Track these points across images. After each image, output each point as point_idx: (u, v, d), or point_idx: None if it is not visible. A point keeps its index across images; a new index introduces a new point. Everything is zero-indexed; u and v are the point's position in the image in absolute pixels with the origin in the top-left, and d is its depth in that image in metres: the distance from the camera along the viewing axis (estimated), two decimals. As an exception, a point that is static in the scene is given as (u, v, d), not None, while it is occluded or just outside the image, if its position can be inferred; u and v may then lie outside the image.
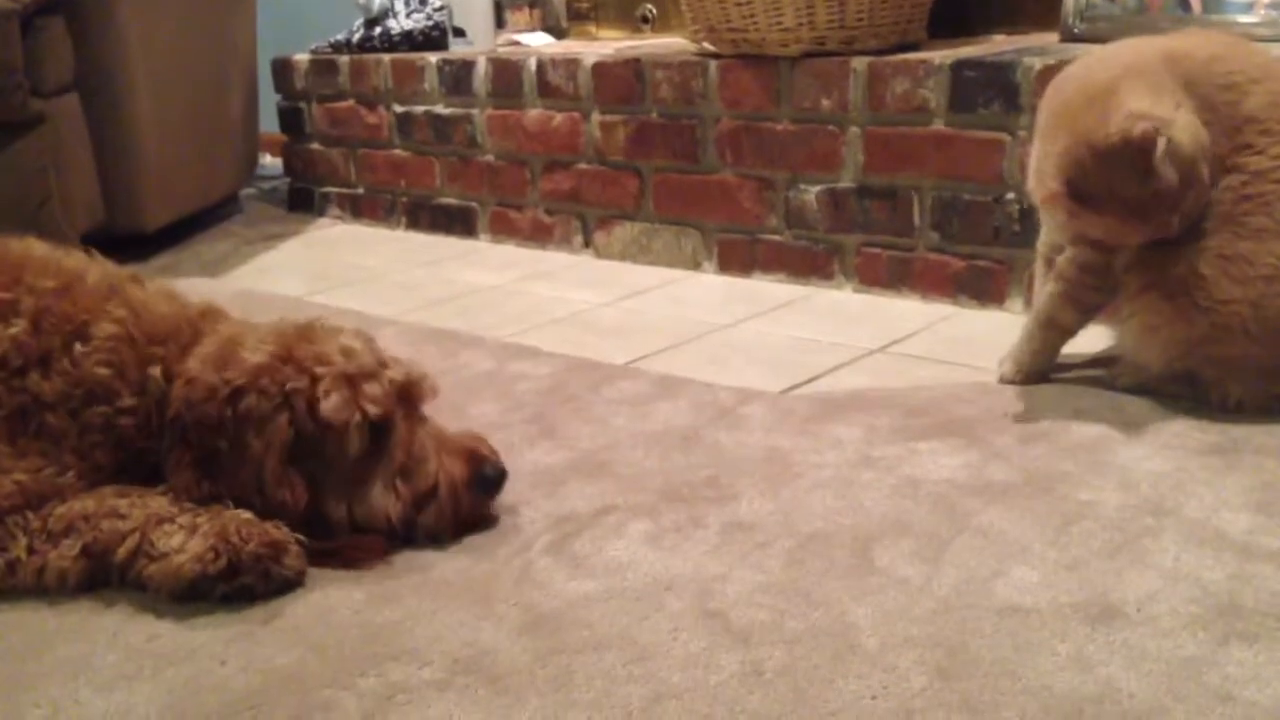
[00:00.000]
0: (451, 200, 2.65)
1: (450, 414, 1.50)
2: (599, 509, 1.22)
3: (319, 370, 1.13)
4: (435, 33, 2.77)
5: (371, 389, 1.14)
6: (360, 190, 2.86)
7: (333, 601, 1.05)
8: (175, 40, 2.53)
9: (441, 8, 2.77)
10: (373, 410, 1.13)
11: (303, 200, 3.01)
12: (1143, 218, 1.30)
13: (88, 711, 0.91)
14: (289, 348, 1.14)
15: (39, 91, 2.17)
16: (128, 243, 2.46)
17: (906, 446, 1.34)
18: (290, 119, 2.97)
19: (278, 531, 1.08)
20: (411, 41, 2.77)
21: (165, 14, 2.48)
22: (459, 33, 2.66)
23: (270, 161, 3.43)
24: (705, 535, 1.15)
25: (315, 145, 2.93)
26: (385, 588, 1.08)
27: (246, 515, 1.09)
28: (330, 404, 1.11)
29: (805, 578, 1.06)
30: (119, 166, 2.36)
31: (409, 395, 1.19)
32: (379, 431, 1.14)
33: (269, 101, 3.02)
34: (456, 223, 2.66)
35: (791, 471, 1.29)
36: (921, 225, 1.93)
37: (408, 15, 2.81)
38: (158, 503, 1.10)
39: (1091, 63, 1.41)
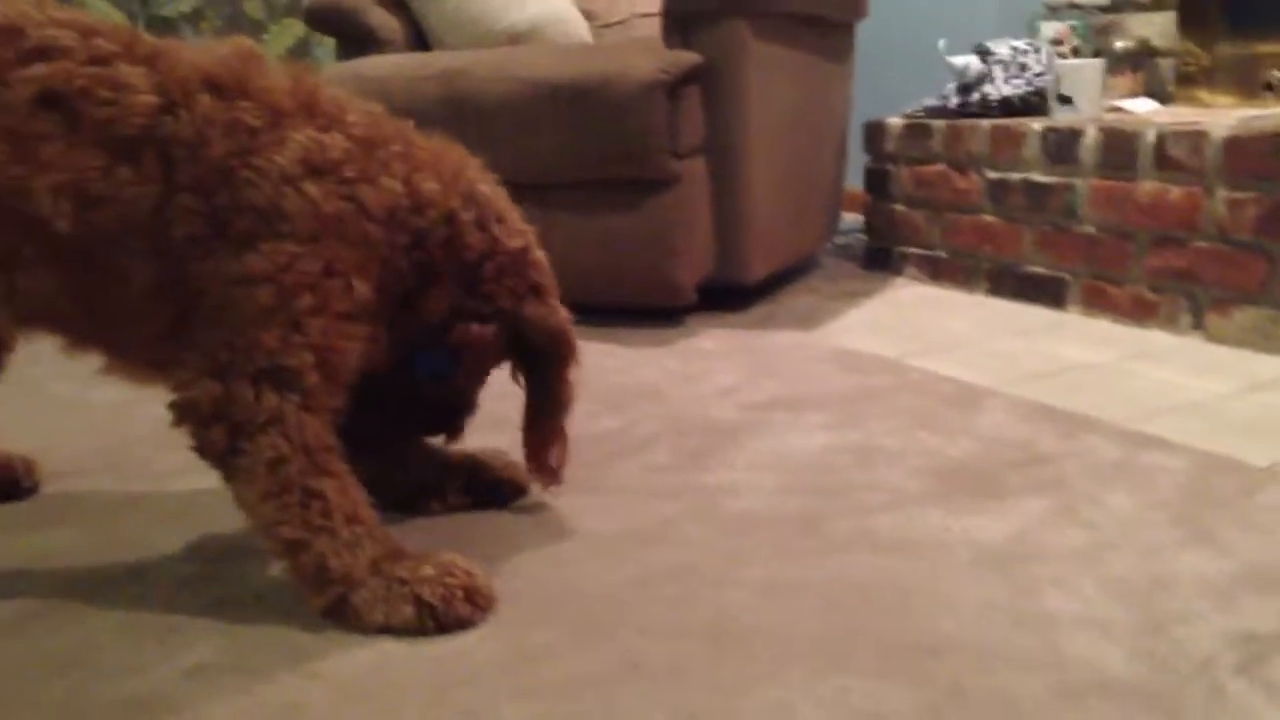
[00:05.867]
0: (1040, 269, 2.60)
1: (1087, 504, 1.46)
2: (1282, 633, 1.13)
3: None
4: (1034, 99, 2.74)
5: None
6: (941, 253, 2.88)
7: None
8: (785, 105, 2.68)
9: (1043, 74, 2.73)
10: None
11: (880, 259, 3.09)
12: None
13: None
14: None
15: (676, 153, 2.38)
16: (728, 293, 2.64)
17: None
18: (876, 180, 3.05)
19: (469, 575, 1.18)
20: (1009, 108, 2.76)
21: (781, 81, 2.63)
22: (1065, 100, 2.61)
23: (846, 217, 3.54)
24: None
25: (899, 206, 2.99)
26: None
27: (435, 565, 1.18)
28: None
29: None
30: (731, 223, 2.54)
31: None
32: None
33: (853, 160, 3.13)
34: (1043, 293, 2.60)
35: None
36: None
37: (1006, 81, 2.80)
38: (374, 543, 1.18)
39: None
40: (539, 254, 1.37)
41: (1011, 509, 1.46)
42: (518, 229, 1.35)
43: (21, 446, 1.62)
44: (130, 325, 1.18)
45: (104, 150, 1.13)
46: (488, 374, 1.42)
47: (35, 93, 1.13)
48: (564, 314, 1.37)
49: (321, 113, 1.21)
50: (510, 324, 1.33)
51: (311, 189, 1.16)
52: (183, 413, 1.16)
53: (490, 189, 1.34)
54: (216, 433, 1.14)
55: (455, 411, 1.44)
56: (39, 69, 1.14)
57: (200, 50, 1.22)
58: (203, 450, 1.16)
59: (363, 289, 1.19)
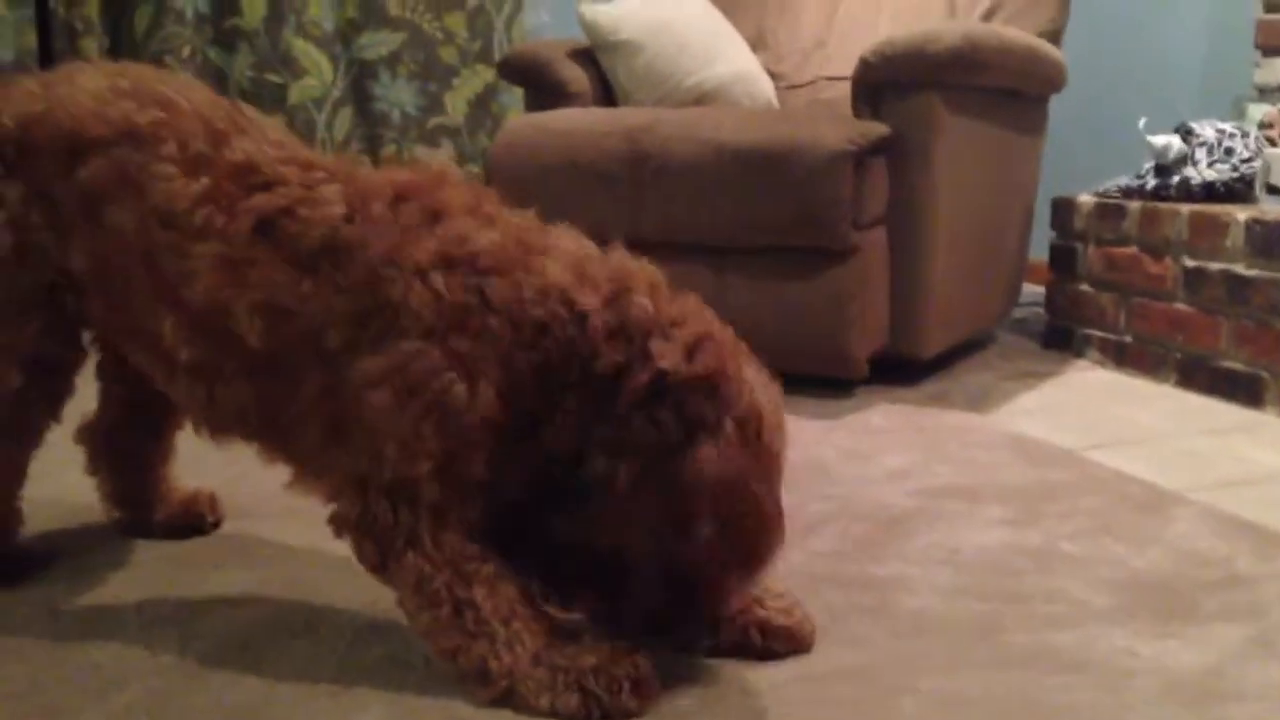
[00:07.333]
0: (1237, 365, 2.47)
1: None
2: None
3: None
4: (1239, 185, 2.61)
5: None
6: (1127, 338, 2.76)
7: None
8: (972, 179, 2.62)
9: (1250, 159, 2.61)
10: None
11: (1060, 339, 2.98)
12: None
13: None
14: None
15: (857, 224, 2.35)
16: (901, 367, 2.58)
17: None
18: (1062, 257, 2.95)
19: (635, 666, 1.13)
20: (1211, 193, 2.64)
21: (969, 154, 2.57)
22: (1274, 189, 2.48)
23: (1026, 289, 3.43)
24: None
25: (1084, 287, 2.89)
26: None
27: (599, 653, 1.13)
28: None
29: None
30: (910, 296, 2.49)
31: None
32: None
33: (1037, 234, 3.04)
34: (1239, 389, 2.47)
35: None
36: None
37: (1209, 165, 2.68)
38: (533, 636, 1.14)
39: None
40: (723, 383, 1.09)
41: (1204, 635, 1.37)
42: (684, 345, 1.09)
43: (206, 482, 1.68)
44: (297, 433, 1.19)
45: (292, 265, 1.16)
46: (654, 541, 1.10)
47: (254, 223, 1.17)
48: (738, 460, 1.08)
49: (484, 214, 1.17)
50: (662, 469, 1.07)
51: (439, 280, 1.10)
52: (337, 526, 1.19)
53: (658, 306, 1.12)
54: (368, 547, 1.16)
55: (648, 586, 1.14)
56: (259, 199, 1.18)
57: (403, 169, 1.23)
58: (360, 560, 1.18)
59: (482, 390, 1.10)
